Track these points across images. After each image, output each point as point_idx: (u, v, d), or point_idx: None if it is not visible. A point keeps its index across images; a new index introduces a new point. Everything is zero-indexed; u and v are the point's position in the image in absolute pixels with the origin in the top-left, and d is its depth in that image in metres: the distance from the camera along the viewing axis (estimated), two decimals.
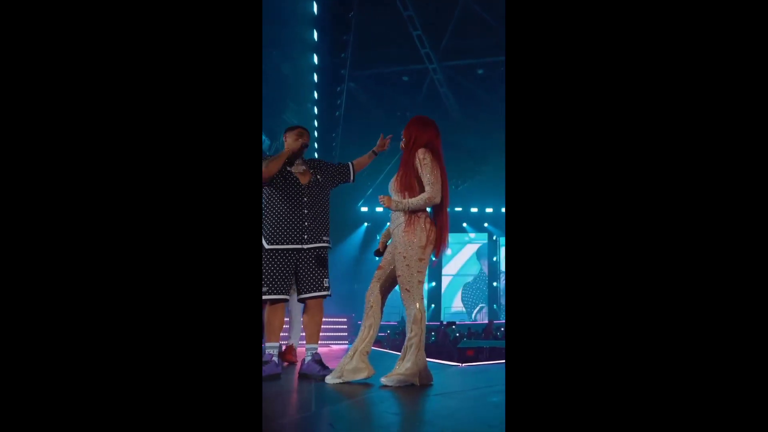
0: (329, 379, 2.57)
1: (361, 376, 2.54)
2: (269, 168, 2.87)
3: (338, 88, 11.42)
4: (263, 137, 13.84)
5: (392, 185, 2.64)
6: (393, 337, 11.38)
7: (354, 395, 2.16)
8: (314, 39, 10.20)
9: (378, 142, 3.15)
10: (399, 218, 2.55)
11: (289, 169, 3.00)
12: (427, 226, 2.53)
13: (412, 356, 2.44)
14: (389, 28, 10.29)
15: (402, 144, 2.67)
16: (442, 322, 10.86)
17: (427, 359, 2.59)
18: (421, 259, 2.50)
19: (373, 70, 11.56)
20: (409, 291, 2.49)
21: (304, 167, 3.04)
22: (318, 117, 12.40)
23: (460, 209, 15.48)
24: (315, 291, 2.87)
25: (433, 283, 15.87)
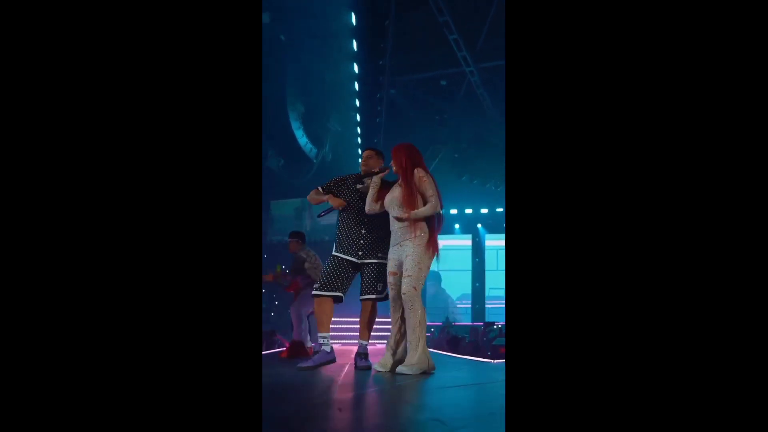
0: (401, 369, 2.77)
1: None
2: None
3: (378, 95, 11.35)
4: (309, 146, 14.01)
5: (394, 201, 2.95)
6: (435, 337, 11.15)
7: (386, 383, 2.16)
8: (354, 49, 10.20)
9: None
10: (405, 231, 2.85)
11: (358, 186, 3.32)
12: (429, 233, 2.87)
13: (421, 347, 2.73)
14: (426, 33, 10.15)
15: (395, 169, 3.01)
16: (485, 322, 10.51)
17: (465, 357, 3.22)
18: (427, 265, 2.85)
19: (412, 76, 11.44)
20: (416, 290, 2.76)
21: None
22: (361, 124, 12.39)
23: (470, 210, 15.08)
24: (367, 294, 3.20)
25: (477, 284, 15.48)
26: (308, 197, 3.35)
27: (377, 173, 3.19)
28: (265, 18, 10.34)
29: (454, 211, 15.41)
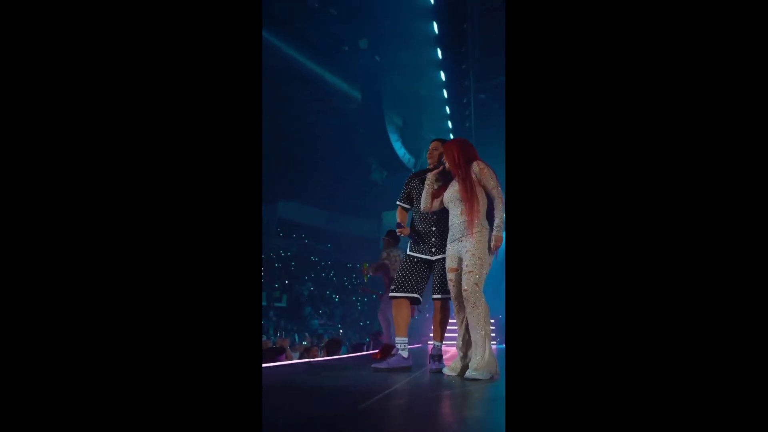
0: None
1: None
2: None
3: (464, 100, 11.31)
4: (408, 156, 14.31)
5: (454, 196, 2.79)
6: None
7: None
8: (438, 57, 10.30)
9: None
10: (464, 226, 2.71)
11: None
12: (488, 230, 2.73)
13: (488, 348, 2.56)
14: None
15: (448, 166, 2.86)
16: None
17: None
18: (489, 260, 2.70)
19: (500, 78, 11.24)
20: (478, 286, 2.61)
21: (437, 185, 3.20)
22: (453, 130, 12.42)
23: None
24: (437, 293, 3.05)
25: None
26: (399, 219, 3.23)
27: (431, 170, 3.03)
28: (364, 44, 10.90)
29: None
